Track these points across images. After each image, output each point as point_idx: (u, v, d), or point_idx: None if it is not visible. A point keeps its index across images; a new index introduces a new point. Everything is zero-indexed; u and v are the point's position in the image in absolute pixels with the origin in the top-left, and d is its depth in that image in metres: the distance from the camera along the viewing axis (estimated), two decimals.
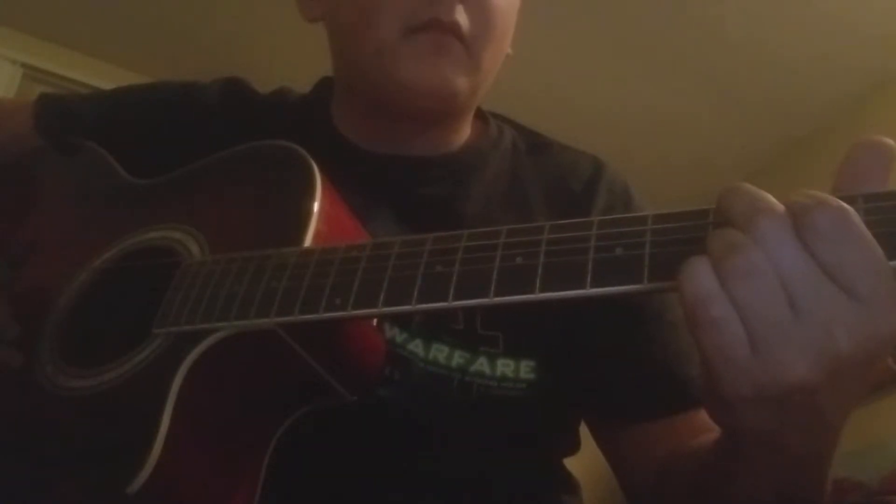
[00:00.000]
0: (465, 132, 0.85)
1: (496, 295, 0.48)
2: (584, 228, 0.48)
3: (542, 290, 0.47)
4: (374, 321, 0.64)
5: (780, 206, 0.41)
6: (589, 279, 0.46)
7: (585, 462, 0.83)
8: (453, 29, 0.73)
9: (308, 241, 0.59)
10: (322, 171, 0.64)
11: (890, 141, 0.43)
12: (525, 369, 0.73)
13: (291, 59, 1.99)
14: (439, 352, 0.72)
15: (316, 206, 0.61)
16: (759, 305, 0.40)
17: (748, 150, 3.07)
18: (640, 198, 0.83)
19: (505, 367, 0.72)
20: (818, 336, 0.39)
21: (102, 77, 2.70)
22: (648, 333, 0.75)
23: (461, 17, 0.73)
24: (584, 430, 0.82)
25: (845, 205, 0.40)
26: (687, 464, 0.64)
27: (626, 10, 2.54)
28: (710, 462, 0.57)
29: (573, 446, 0.82)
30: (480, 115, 0.88)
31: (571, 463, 0.82)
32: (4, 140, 0.92)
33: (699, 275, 0.41)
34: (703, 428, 0.67)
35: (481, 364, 0.72)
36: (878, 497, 2.23)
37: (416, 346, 0.72)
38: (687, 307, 0.41)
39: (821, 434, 0.47)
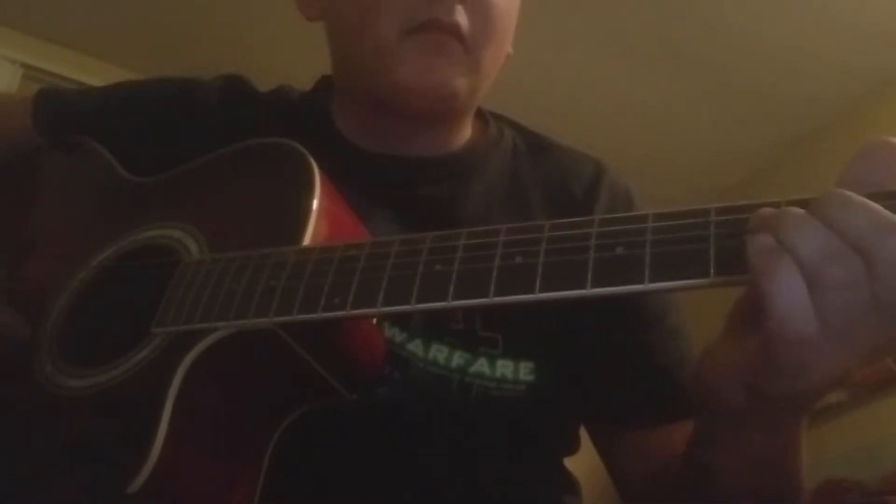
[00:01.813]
0: (465, 132, 0.85)
1: (496, 295, 0.48)
2: (584, 227, 0.48)
3: (542, 290, 0.47)
4: (374, 320, 0.64)
5: None
6: (589, 279, 0.46)
7: (585, 462, 0.83)
8: (453, 29, 0.73)
9: (307, 239, 0.59)
10: (321, 169, 0.64)
11: None
12: (524, 371, 0.73)
13: (292, 59, 1.98)
14: (439, 352, 0.71)
15: (315, 205, 0.61)
16: (845, 316, 0.41)
17: (748, 149, 3.07)
18: (641, 201, 0.83)
19: (504, 368, 0.72)
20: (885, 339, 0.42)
21: (102, 77, 2.69)
22: (649, 339, 0.75)
23: (461, 17, 0.73)
24: (583, 430, 0.82)
25: None
26: (676, 465, 0.65)
27: (626, 10, 2.54)
28: (690, 454, 0.60)
29: (573, 447, 0.82)
30: (480, 115, 0.88)
31: (571, 463, 0.82)
32: (3, 137, 0.91)
33: (792, 282, 0.41)
34: None
35: (481, 365, 0.72)
36: (878, 497, 2.23)
37: (416, 346, 0.71)
38: (778, 317, 0.41)
39: (806, 409, 0.51)
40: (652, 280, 0.44)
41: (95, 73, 2.79)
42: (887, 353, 0.44)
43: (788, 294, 0.40)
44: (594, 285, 0.45)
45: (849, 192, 0.41)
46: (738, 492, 0.55)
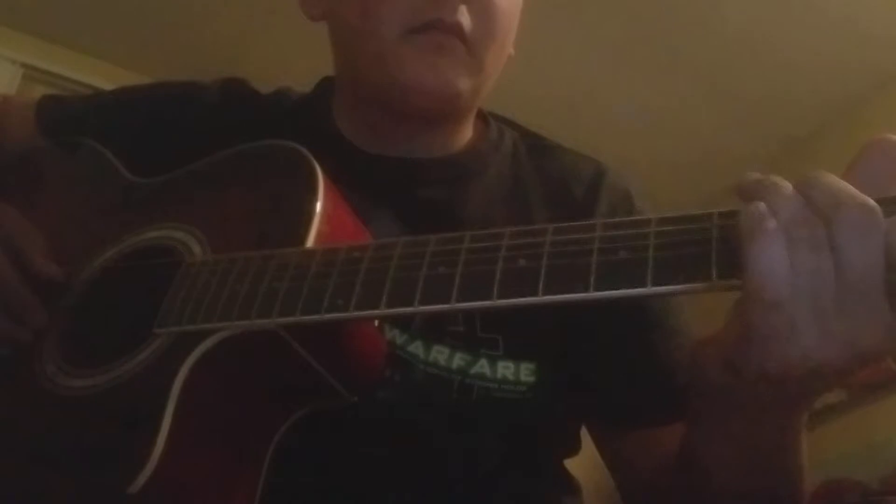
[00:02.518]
0: (466, 134, 0.85)
1: (499, 297, 0.48)
2: (587, 231, 0.48)
3: (546, 293, 0.47)
4: (375, 322, 0.64)
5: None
6: (592, 282, 0.46)
7: (586, 463, 0.83)
8: (456, 30, 0.73)
9: (310, 241, 0.59)
10: (324, 171, 0.64)
11: None
12: (525, 372, 0.73)
13: (292, 59, 1.99)
14: (440, 354, 0.71)
15: (318, 207, 0.61)
16: (813, 283, 0.42)
17: (748, 150, 3.07)
18: (641, 203, 0.83)
19: (505, 369, 0.72)
20: (861, 331, 0.43)
21: (102, 77, 2.70)
22: (650, 341, 0.75)
23: (464, 17, 0.73)
24: (584, 431, 0.82)
25: None
26: (675, 463, 0.65)
27: (627, 11, 2.54)
28: (684, 447, 0.60)
29: (574, 448, 0.82)
30: (481, 117, 0.88)
31: (572, 464, 0.82)
32: (6, 140, 0.92)
33: (776, 244, 0.42)
34: None
35: (482, 366, 0.72)
36: (878, 497, 2.23)
37: (417, 348, 0.71)
38: (756, 277, 0.42)
39: (797, 404, 0.51)
40: (654, 284, 0.44)
41: (95, 73, 2.79)
42: (882, 351, 0.44)
43: (771, 254, 0.42)
44: (597, 288, 0.46)
45: (824, 172, 0.44)
46: (735, 490, 0.56)
